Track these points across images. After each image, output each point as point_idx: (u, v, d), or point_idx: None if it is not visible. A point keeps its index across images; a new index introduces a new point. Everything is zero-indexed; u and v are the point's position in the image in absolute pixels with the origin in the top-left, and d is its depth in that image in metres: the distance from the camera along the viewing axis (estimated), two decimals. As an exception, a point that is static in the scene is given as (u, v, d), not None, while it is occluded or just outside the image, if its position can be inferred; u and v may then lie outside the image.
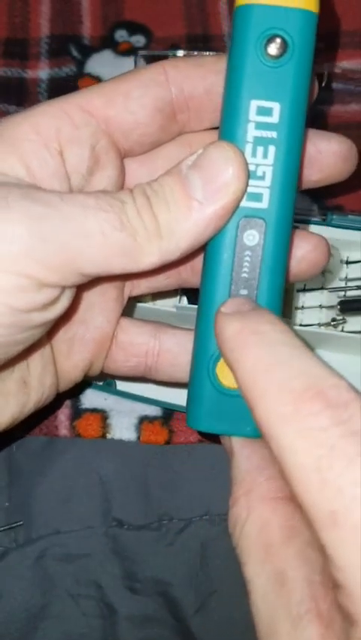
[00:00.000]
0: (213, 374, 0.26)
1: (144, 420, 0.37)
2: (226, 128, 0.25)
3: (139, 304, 0.37)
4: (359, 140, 0.29)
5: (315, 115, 0.43)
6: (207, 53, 0.27)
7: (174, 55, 0.39)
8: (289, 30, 0.24)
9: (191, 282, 0.31)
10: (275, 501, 0.23)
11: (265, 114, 0.24)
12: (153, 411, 0.37)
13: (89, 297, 0.29)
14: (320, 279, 0.39)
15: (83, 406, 0.37)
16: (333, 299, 0.39)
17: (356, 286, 0.39)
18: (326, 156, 0.27)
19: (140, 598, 0.36)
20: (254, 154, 0.25)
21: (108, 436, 0.37)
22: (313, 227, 0.39)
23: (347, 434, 0.19)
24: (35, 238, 0.22)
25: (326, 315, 0.39)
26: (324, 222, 0.38)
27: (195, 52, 0.40)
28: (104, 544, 0.36)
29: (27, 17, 0.49)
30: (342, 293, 0.39)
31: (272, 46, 0.24)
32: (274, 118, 0.24)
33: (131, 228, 0.23)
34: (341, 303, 0.38)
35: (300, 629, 0.20)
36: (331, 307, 0.38)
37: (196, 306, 0.27)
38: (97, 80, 0.47)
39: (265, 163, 0.25)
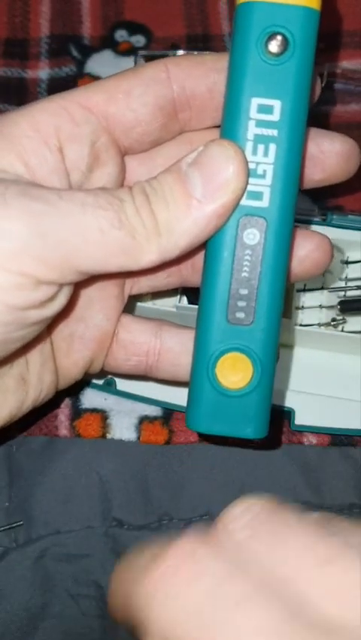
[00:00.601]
0: (213, 374, 0.26)
1: (144, 420, 0.37)
2: (227, 125, 0.25)
3: (139, 304, 0.37)
4: (359, 140, 0.29)
5: (315, 115, 0.43)
6: (208, 53, 0.27)
7: (175, 55, 0.39)
8: (290, 27, 0.24)
9: (192, 281, 0.30)
10: None
11: (266, 112, 0.24)
12: (153, 411, 0.37)
13: (89, 294, 0.29)
14: (320, 279, 0.39)
15: (83, 406, 0.37)
16: (333, 299, 0.39)
17: (356, 286, 0.39)
18: (329, 156, 0.27)
19: (140, 598, 0.36)
20: (255, 152, 0.24)
21: (108, 436, 0.37)
22: (313, 228, 0.38)
23: None
24: (33, 235, 0.22)
25: (326, 315, 0.38)
26: (324, 222, 0.38)
27: (195, 53, 0.40)
28: (104, 544, 0.36)
29: (27, 17, 0.49)
30: (342, 293, 0.39)
31: (273, 43, 0.24)
32: (275, 116, 0.24)
33: (130, 226, 0.23)
34: (341, 303, 0.38)
35: None
36: (331, 307, 0.38)
37: (196, 306, 0.27)
38: (97, 80, 0.47)
39: (266, 161, 0.24)
